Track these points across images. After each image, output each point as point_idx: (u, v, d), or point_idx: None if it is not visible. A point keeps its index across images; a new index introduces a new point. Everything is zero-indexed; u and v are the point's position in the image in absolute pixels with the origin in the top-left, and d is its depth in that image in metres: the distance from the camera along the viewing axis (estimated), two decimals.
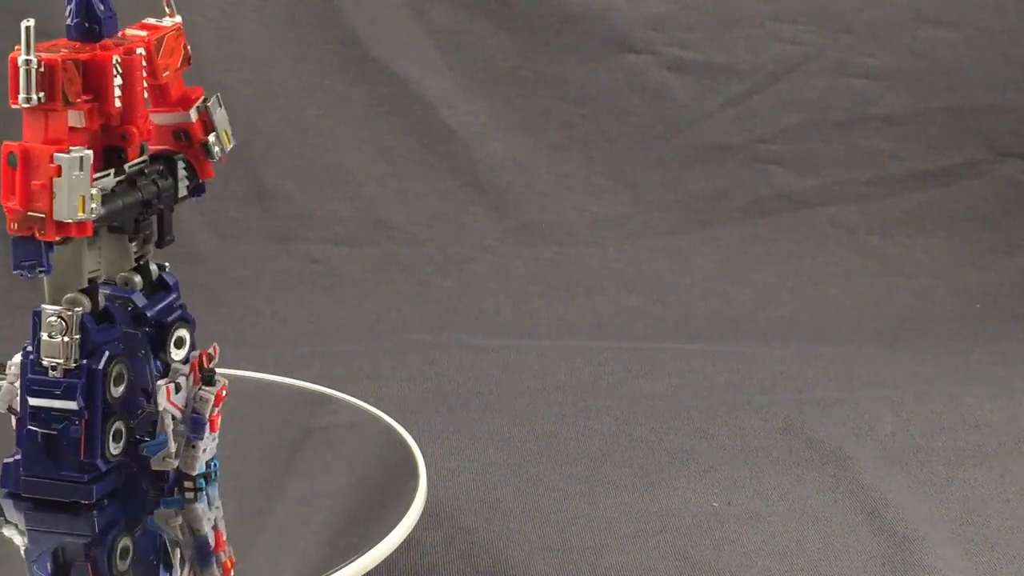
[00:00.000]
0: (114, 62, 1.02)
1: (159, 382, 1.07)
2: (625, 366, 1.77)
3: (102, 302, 1.06)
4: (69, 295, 1.04)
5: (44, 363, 1.03)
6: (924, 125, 2.13)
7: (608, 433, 1.57)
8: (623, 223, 2.08)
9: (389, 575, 1.20)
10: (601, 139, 2.11)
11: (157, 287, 1.11)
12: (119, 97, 1.03)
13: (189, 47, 1.09)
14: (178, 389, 1.07)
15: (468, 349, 1.80)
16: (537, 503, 1.39)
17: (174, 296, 1.11)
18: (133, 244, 1.09)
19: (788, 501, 1.41)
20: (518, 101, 2.09)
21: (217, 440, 1.10)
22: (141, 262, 1.10)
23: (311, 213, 2.03)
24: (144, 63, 1.05)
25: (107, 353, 1.04)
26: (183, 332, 1.10)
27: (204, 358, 1.09)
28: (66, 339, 1.03)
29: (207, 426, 1.08)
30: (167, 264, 1.13)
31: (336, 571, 0.99)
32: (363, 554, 1.01)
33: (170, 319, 1.10)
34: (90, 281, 1.05)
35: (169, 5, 1.08)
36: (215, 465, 1.10)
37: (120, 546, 1.03)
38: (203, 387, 1.08)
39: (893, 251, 2.10)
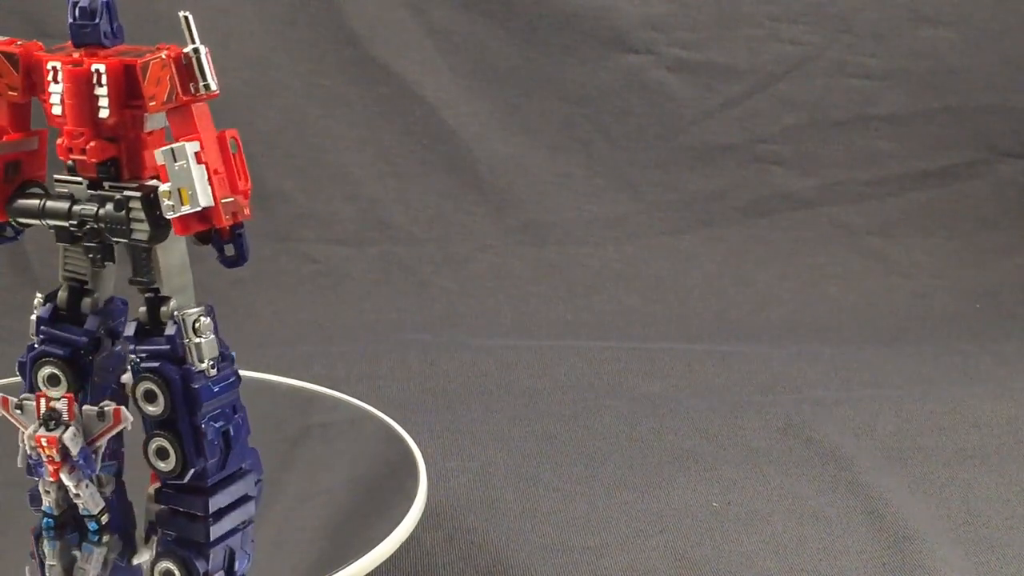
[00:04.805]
0: (49, 67, 1.01)
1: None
2: (625, 366, 1.77)
3: (87, 309, 1.08)
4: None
5: None
6: (924, 125, 2.13)
7: (608, 433, 1.57)
8: (623, 223, 2.08)
9: (389, 575, 1.20)
10: (601, 139, 2.11)
11: (160, 328, 1.05)
12: (58, 104, 1.01)
13: (186, 82, 0.98)
14: (20, 406, 1.02)
15: (468, 349, 1.80)
16: (537, 503, 1.39)
17: (160, 348, 1.04)
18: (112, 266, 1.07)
19: (788, 501, 1.41)
20: (518, 101, 2.09)
21: (81, 494, 1.03)
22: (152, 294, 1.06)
23: (311, 213, 2.03)
24: (98, 81, 1.00)
25: (36, 347, 1.08)
26: (150, 386, 1.04)
27: (69, 400, 1.02)
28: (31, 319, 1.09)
29: (40, 468, 1.02)
30: (197, 312, 1.04)
31: (337, 571, 0.99)
32: (364, 554, 1.02)
33: (141, 366, 1.04)
34: (68, 280, 1.08)
35: (189, 31, 0.98)
36: (92, 526, 1.04)
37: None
38: (38, 427, 1.01)
39: (893, 251, 2.10)
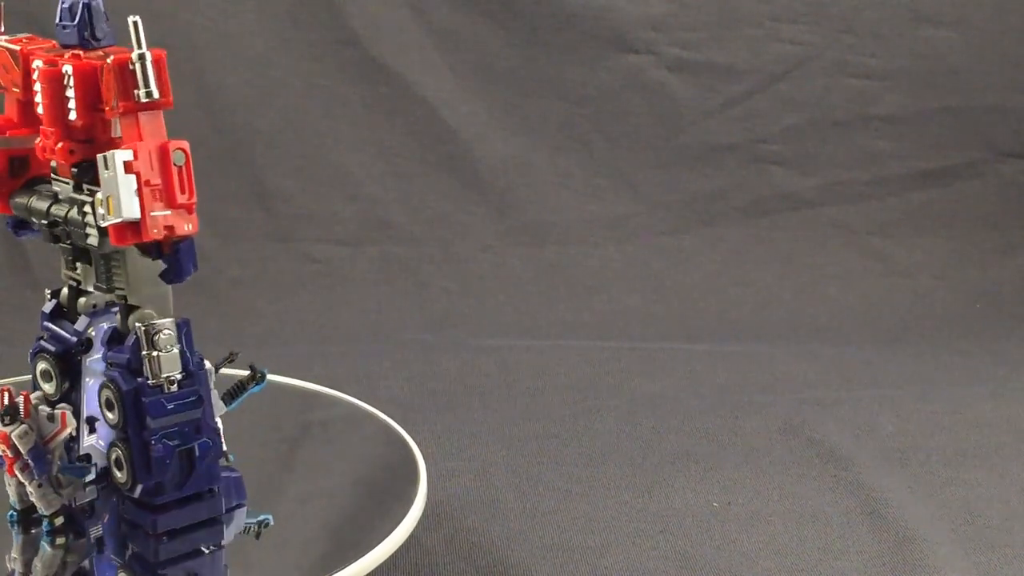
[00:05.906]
0: (34, 66, 1.00)
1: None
2: (625, 366, 1.77)
3: (81, 309, 1.08)
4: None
5: None
6: (924, 125, 2.13)
7: (608, 433, 1.57)
8: (623, 223, 2.08)
9: (389, 575, 1.20)
10: (601, 139, 2.11)
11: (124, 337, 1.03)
12: (41, 104, 1.01)
13: (128, 89, 0.94)
14: None
15: (468, 349, 1.80)
16: (537, 503, 1.39)
17: (121, 357, 1.01)
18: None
19: (788, 501, 1.41)
20: (518, 101, 2.09)
21: (33, 493, 1.04)
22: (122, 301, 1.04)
23: (311, 213, 2.03)
24: (67, 83, 0.98)
25: (37, 343, 1.07)
26: (109, 395, 1.01)
27: (25, 397, 1.03)
28: None
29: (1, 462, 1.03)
30: (160, 325, 0.99)
31: (337, 571, 0.99)
32: (365, 554, 1.02)
33: (105, 373, 1.03)
34: (67, 279, 1.08)
35: (136, 37, 0.94)
36: (45, 526, 1.04)
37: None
38: None
39: (893, 251, 2.10)
